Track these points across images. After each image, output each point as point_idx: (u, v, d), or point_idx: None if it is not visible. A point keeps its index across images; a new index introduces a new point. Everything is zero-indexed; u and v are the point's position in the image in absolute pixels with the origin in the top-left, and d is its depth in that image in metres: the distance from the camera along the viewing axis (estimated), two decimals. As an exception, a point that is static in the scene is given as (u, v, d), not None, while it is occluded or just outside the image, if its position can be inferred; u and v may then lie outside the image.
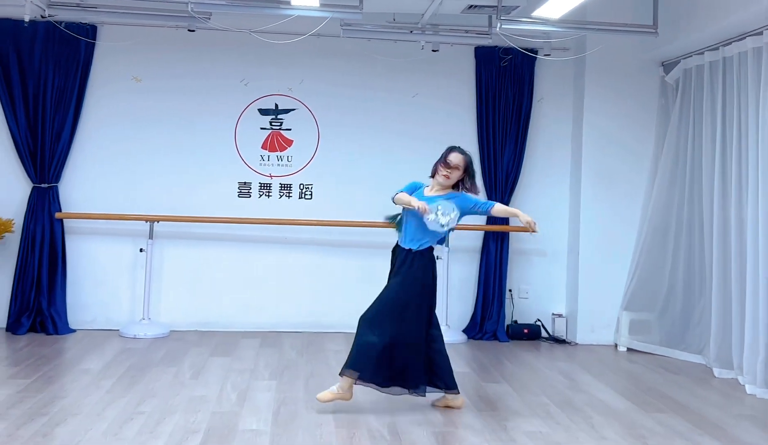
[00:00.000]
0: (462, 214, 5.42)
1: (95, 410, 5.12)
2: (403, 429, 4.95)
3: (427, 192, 5.50)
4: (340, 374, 5.32)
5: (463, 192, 5.50)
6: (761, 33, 6.37)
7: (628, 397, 5.96)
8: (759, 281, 6.26)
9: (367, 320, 5.37)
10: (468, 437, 4.84)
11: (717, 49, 7.08)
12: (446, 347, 7.59)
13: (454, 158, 5.40)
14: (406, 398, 5.49)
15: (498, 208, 5.62)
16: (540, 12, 6.87)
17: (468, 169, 5.45)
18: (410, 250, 5.42)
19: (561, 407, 5.59)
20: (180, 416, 5.07)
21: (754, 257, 6.36)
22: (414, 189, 5.53)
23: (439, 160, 5.50)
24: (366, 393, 5.48)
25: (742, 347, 6.49)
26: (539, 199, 8.44)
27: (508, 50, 8.15)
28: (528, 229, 5.43)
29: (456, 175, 5.41)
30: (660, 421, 5.31)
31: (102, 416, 5.02)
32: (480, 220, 8.27)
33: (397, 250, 5.55)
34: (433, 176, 5.52)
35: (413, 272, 5.40)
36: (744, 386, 6.32)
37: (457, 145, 5.53)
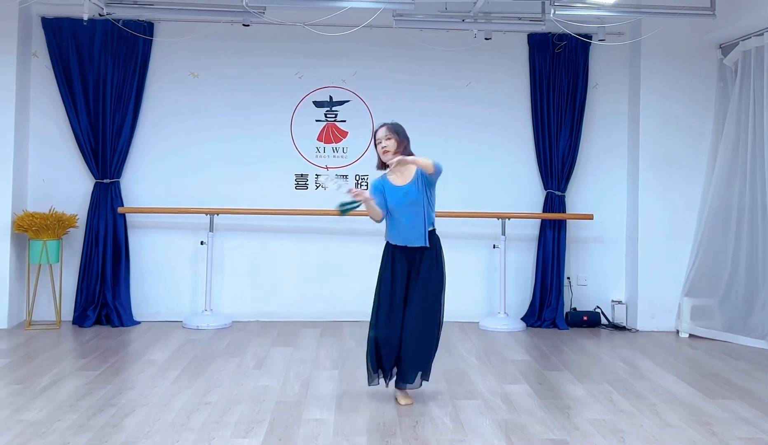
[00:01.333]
0: (431, 184, 5.29)
1: (162, 401, 5.24)
2: (465, 417, 4.97)
3: (395, 181, 5.30)
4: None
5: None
6: (823, 12, 6.24)
7: (691, 383, 5.90)
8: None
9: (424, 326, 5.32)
10: (531, 425, 4.84)
11: (777, 29, 6.96)
12: (506, 335, 7.69)
13: (380, 133, 5.29)
14: (466, 387, 5.57)
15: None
16: (594, -3, 6.82)
17: (399, 134, 5.28)
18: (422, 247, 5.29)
19: (624, 394, 5.55)
20: (245, 405, 5.16)
21: (820, 240, 6.24)
22: (380, 188, 5.34)
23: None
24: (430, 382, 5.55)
25: (807, 332, 6.38)
26: (596, 186, 8.38)
27: (562, 36, 8.09)
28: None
29: (391, 144, 5.24)
30: (725, 407, 5.25)
31: (169, 406, 5.13)
32: (537, 208, 8.26)
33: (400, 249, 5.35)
34: (383, 166, 5.34)
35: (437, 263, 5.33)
36: (810, 371, 6.23)
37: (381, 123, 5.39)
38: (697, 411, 5.17)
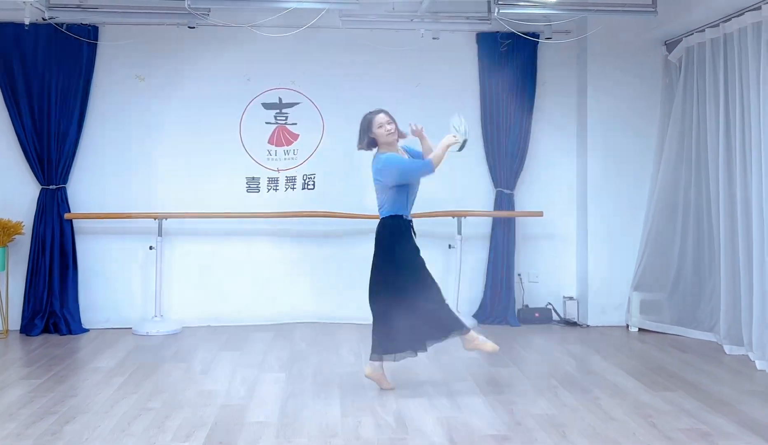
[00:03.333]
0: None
1: (104, 408, 5.17)
2: (408, 416, 4.96)
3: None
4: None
5: (411, 148, 5.91)
6: (759, 7, 6.30)
7: (637, 377, 5.94)
8: (766, 256, 6.22)
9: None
10: (473, 421, 4.85)
11: (717, 25, 7.01)
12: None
13: (382, 118, 5.62)
14: (413, 385, 5.59)
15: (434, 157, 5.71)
16: (538, -5, 6.86)
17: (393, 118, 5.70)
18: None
19: (569, 389, 5.58)
20: (188, 410, 5.11)
21: (760, 232, 6.31)
22: (415, 153, 5.85)
23: (367, 131, 5.64)
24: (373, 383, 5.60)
25: (751, 323, 6.45)
26: (546, 184, 8.42)
27: (509, 35, 8.10)
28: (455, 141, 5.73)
29: (394, 127, 5.64)
30: (668, 400, 5.29)
31: (111, 413, 5.06)
32: (487, 207, 8.28)
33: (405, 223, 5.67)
34: (374, 147, 5.71)
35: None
36: (754, 362, 6.29)
37: (366, 113, 5.71)
38: (641, 404, 5.20)
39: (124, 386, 5.72)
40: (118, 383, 5.82)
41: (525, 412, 5.03)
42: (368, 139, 5.65)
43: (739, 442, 4.46)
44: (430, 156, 5.61)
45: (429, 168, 5.56)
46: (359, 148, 5.73)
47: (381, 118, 5.60)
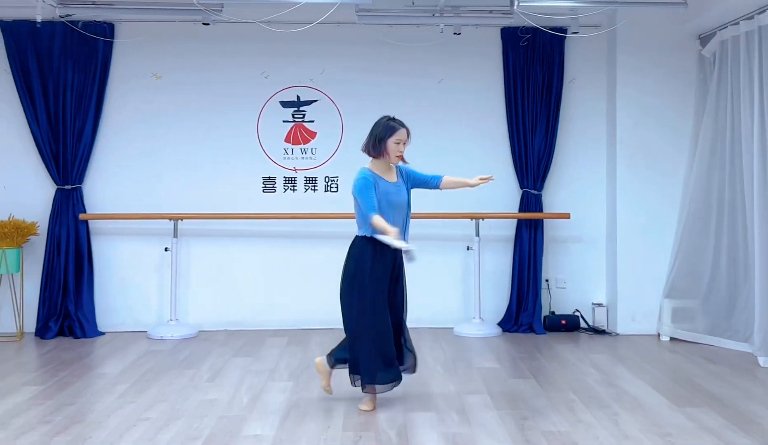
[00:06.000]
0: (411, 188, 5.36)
1: (100, 417, 4.99)
2: (413, 431, 4.70)
3: (388, 178, 5.21)
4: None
5: (403, 165, 5.32)
6: (796, -3, 5.94)
7: (661, 391, 5.60)
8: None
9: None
10: (480, 438, 4.57)
11: (752, 17, 6.63)
12: (480, 341, 7.38)
13: (403, 135, 5.15)
14: (423, 398, 5.32)
15: (447, 180, 5.46)
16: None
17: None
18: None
19: (587, 403, 5.27)
20: (185, 421, 4.91)
21: (797, 237, 5.93)
22: (373, 185, 5.11)
23: (382, 136, 5.11)
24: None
25: (787, 333, 6.08)
26: (574, 184, 8.09)
27: (532, 30, 7.77)
28: (488, 180, 5.41)
29: (405, 149, 5.20)
30: (691, 416, 4.95)
31: (105, 423, 4.88)
32: (512, 208, 7.99)
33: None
34: (377, 156, 5.17)
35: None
36: (790, 375, 5.92)
37: (391, 117, 5.22)
38: (661, 421, 4.88)
39: (125, 394, 5.55)
40: (121, 390, 5.65)
41: (536, 428, 4.74)
42: (379, 146, 5.11)
43: (764, 466, 4.14)
44: (378, 222, 5.02)
45: (367, 217, 5.09)
46: (363, 150, 5.23)
47: (402, 134, 5.11)
